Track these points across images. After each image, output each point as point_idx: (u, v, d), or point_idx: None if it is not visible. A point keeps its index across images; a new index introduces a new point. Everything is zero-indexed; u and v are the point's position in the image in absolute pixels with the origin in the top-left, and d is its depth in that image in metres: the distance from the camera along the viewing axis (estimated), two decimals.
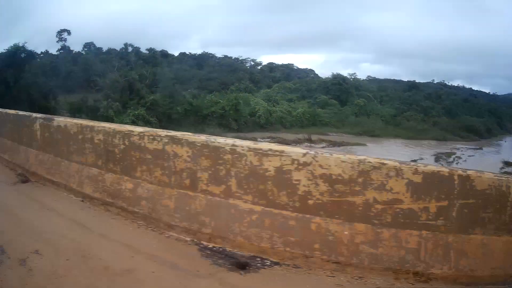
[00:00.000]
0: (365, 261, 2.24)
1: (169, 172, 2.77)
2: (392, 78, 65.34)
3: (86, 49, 45.48)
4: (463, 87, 64.50)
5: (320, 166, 2.32)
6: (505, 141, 38.29)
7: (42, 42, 67.39)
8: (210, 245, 2.51)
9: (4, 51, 28.13)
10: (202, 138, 2.70)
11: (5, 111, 4.90)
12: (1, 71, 26.53)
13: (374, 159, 2.33)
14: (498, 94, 68.28)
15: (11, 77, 26.55)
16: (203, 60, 52.92)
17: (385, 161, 2.31)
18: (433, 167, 2.36)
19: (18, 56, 27.71)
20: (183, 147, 2.71)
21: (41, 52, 39.74)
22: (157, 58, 42.35)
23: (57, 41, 42.37)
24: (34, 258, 2.26)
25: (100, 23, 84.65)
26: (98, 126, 3.31)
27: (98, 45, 46.86)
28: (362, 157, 2.35)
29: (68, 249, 2.42)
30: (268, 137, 25.37)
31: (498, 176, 2.35)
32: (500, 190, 2.25)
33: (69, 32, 42.09)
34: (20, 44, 27.63)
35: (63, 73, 34.85)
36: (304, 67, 64.72)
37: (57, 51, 42.60)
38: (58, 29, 42.29)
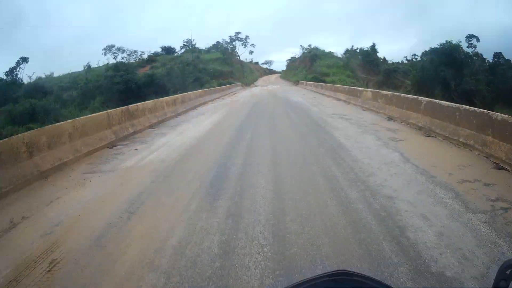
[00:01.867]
0: None
1: None
2: None
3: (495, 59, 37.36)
4: None
5: None
6: None
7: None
8: None
9: (437, 46, 28.20)
10: None
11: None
12: (438, 68, 25.61)
13: None
14: None
15: (451, 78, 25.19)
16: None
17: None
18: None
19: (457, 56, 26.75)
20: None
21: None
22: None
23: (466, 47, 36.98)
24: None
25: None
26: None
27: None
28: None
29: None
30: None
31: None
32: None
33: (477, 39, 37.23)
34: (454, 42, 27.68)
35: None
36: None
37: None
38: (467, 34, 37.55)
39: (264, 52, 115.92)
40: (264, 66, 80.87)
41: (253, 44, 51.18)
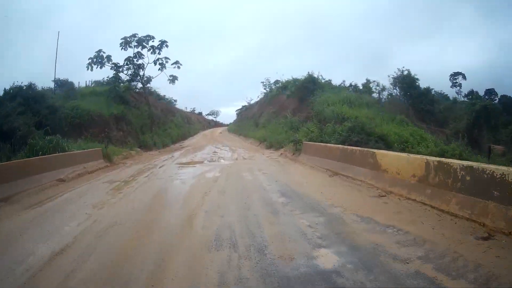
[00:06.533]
0: None
1: None
2: None
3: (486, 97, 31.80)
4: None
5: None
6: None
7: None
8: None
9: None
10: None
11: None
12: None
13: None
14: None
15: None
16: None
17: None
18: None
19: None
20: None
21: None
22: None
23: (450, 86, 36.25)
24: None
25: None
26: None
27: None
28: None
29: None
30: None
31: None
32: None
33: (464, 76, 35.56)
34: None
35: None
36: None
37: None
38: (451, 72, 36.79)
39: (210, 106, 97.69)
40: (210, 117, 64.94)
41: (177, 62, 22.07)
